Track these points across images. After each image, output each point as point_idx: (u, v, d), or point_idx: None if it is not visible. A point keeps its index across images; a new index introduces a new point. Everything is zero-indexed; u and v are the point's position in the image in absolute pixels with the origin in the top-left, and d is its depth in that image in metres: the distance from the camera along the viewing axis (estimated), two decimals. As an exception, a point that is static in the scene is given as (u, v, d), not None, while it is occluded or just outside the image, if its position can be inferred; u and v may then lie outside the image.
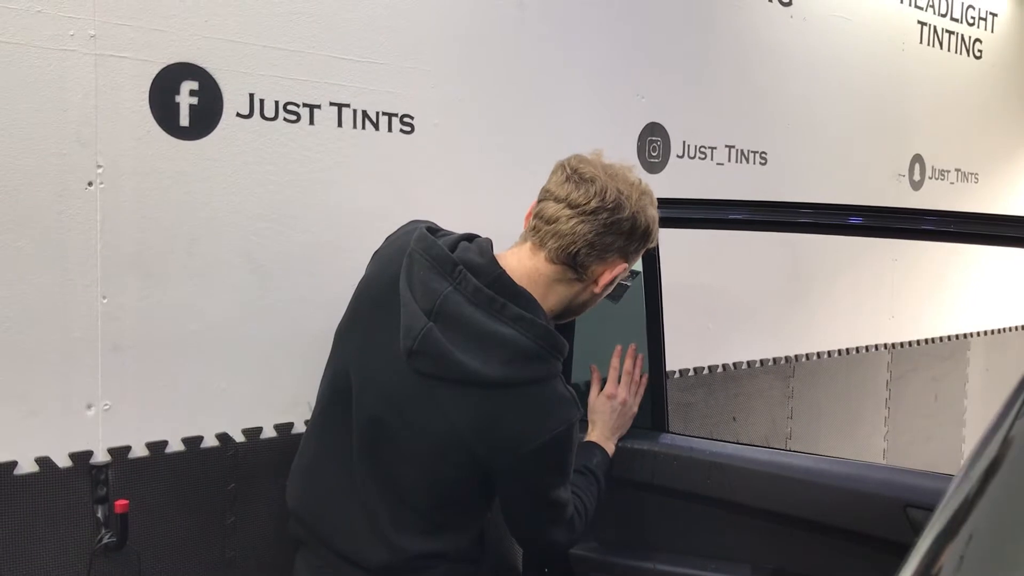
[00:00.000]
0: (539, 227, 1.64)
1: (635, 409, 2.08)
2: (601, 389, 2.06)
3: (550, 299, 1.66)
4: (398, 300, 1.61)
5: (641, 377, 2.11)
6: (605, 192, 1.59)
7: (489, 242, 1.67)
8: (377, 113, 2.14)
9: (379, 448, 1.66)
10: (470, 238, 1.68)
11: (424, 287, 1.58)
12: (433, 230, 1.70)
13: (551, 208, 1.62)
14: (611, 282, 1.69)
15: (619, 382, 2.06)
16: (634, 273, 1.91)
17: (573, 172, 1.63)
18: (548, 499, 1.68)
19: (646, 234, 1.67)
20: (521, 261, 1.64)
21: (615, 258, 1.66)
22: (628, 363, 2.08)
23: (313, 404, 1.86)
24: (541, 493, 1.67)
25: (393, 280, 1.63)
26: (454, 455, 1.61)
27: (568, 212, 1.60)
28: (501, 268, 1.60)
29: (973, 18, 4.03)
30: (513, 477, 1.66)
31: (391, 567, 1.67)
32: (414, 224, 1.74)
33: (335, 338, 1.78)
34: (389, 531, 1.66)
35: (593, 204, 1.59)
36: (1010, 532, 0.53)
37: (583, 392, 2.08)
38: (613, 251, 1.64)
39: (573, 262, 1.63)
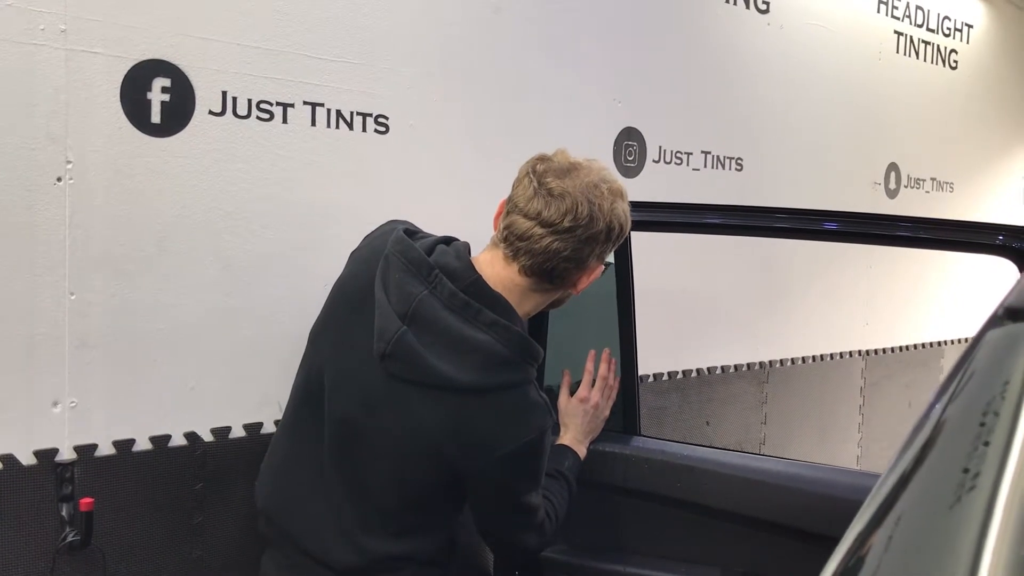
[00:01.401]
0: (511, 240, 1.60)
1: (607, 412, 2.08)
2: (573, 393, 2.06)
3: (526, 305, 1.65)
4: (373, 302, 1.60)
5: (614, 381, 2.11)
6: (577, 208, 1.55)
7: (466, 246, 1.66)
8: (351, 113, 2.13)
9: (349, 450, 1.65)
10: (448, 241, 1.67)
11: (399, 290, 1.57)
12: (411, 232, 1.68)
13: (522, 224, 1.58)
14: (589, 283, 1.69)
15: (592, 386, 2.06)
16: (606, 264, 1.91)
17: (540, 186, 1.57)
18: (519, 504, 1.68)
19: (621, 233, 1.66)
20: (495, 269, 1.62)
21: (593, 262, 1.65)
22: (602, 367, 2.08)
23: (283, 404, 1.85)
24: (512, 498, 1.67)
25: (369, 282, 1.62)
26: (425, 459, 1.61)
27: (541, 231, 1.56)
28: (477, 273, 1.59)
29: (949, 29, 4.07)
30: (484, 482, 1.65)
31: (358, 568, 1.66)
32: (392, 225, 1.73)
33: (309, 338, 1.77)
34: (357, 533, 1.66)
35: (566, 223, 1.56)
36: (937, 512, 0.54)
37: (557, 395, 2.08)
38: (591, 258, 1.63)
39: (550, 276, 1.62)
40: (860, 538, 0.56)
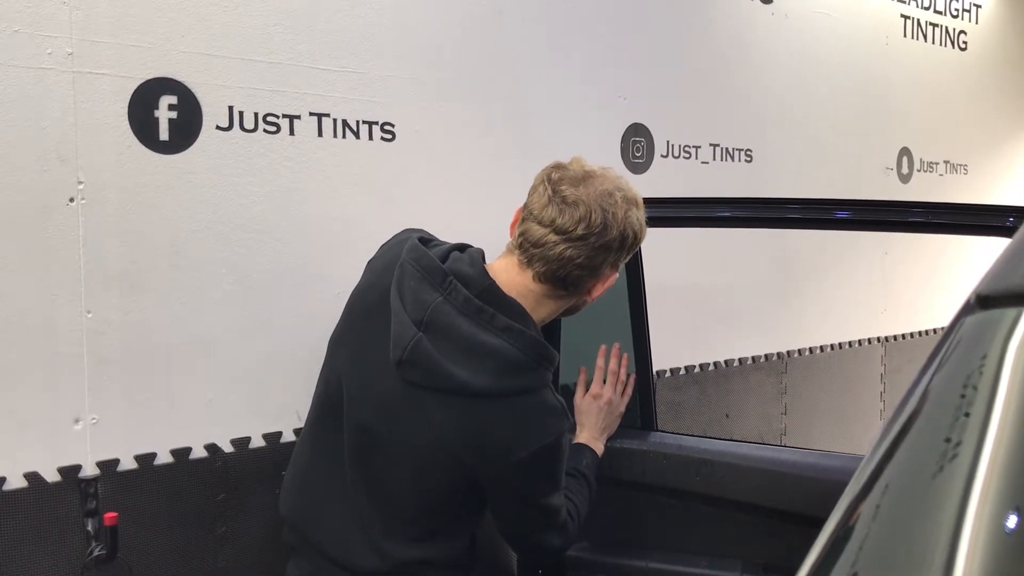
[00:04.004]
0: (525, 247, 1.61)
1: (622, 408, 2.09)
2: (587, 390, 2.07)
3: (540, 311, 1.66)
4: (389, 311, 1.61)
5: (628, 376, 2.12)
6: (590, 216, 1.56)
7: (480, 252, 1.67)
8: (357, 122, 2.15)
9: (369, 456, 1.67)
10: (462, 248, 1.68)
11: (415, 297, 1.59)
12: (425, 240, 1.70)
13: (536, 231, 1.59)
14: (604, 291, 1.69)
15: (604, 382, 2.07)
16: None
17: (555, 194, 1.59)
18: (540, 506, 1.68)
19: (635, 241, 1.66)
20: (510, 275, 1.63)
21: (607, 271, 1.66)
22: (613, 362, 2.09)
23: (302, 413, 1.87)
24: (532, 501, 1.68)
25: (385, 290, 1.64)
26: (443, 464, 1.62)
27: (555, 238, 1.57)
28: (491, 279, 1.60)
29: (957, 10, 4.04)
30: (503, 486, 1.66)
31: (381, 573, 1.68)
32: (407, 233, 1.75)
33: (328, 347, 1.79)
34: (379, 538, 1.67)
35: (580, 231, 1.56)
36: (921, 481, 0.56)
37: (573, 393, 2.09)
38: (605, 266, 1.64)
39: (563, 283, 1.63)
40: (851, 508, 0.58)
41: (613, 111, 2.74)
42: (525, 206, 1.65)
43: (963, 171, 4.14)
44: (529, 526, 1.74)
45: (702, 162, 2.99)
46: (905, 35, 3.77)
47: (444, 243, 1.71)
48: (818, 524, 1.87)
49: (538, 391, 1.61)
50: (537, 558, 2.09)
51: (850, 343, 3.61)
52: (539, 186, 1.63)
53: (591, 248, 1.58)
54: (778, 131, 3.24)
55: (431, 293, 1.58)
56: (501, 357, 1.56)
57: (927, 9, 3.87)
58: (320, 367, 1.79)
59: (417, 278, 1.60)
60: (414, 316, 1.57)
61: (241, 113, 1.97)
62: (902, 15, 3.75)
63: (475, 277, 1.59)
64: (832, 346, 3.53)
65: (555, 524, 1.72)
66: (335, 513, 1.72)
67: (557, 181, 1.60)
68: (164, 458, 1.93)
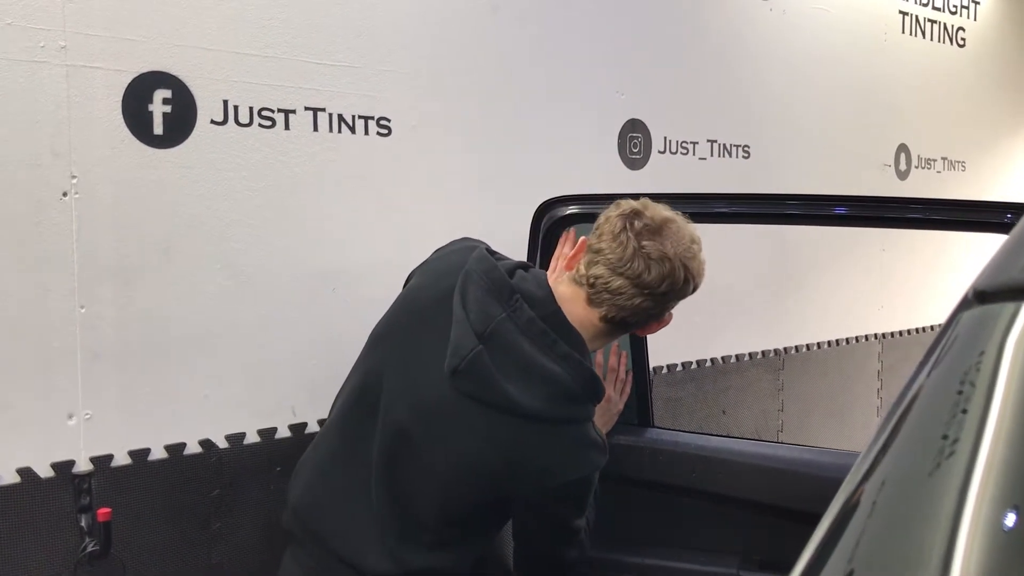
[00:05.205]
0: (599, 289, 1.59)
1: (620, 406, 2.08)
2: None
3: (595, 343, 1.66)
4: (447, 316, 1.59)
5: (627, 374, 2.11)
6: (675, 273, 1.57)
7: (544, 274, 1.67)
8: (353, 116, 2.14)
9: (400, 459, 1.65)
10: (525, 267, 1.67)
11: (479, 308, 1.57)
12: (491, 252, 1.69)
13: (615, 282, 1.57)
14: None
15: (604, 379, 2.06)
16: None
17: (640, 248, 1.56)
18: (564, 527, 1.70)
19: (700, 285, 1.67)
20: (575, 307, 1.61)
21: (668, 313, 1.68)
22: (612, 360, 2.08)
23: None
24: (557, 522, 1.69)
25: (443, 294, 1.62)
26: (476, 478, 1.61)
27: (634, 291, 1.57)
28: (558, 305, 1.59)
29: (956, 6, 4.03)
30: (532, 506, 1.67)
31: None
32: (467, 242, 1.74)
33: (370, 340, 1.74)
34: (393, 542, 1.65)
35: (664, 288, 1.57)
36: (919, 477, 0.56)
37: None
38: (669, 309, 1.66)
39: (629, 326, 1.65)
40: (847, 504, 0.58)
41: (610, 106, 2.73)
42: (598, 249, 1.60)
43: (961, 168, 4.13)
44: (549, 541, 1.74)
45: (700, 158, 2.98)
46: (903, 31, 3.77)
47: (508, 259, 1.69)
48: (815, 520, 1.86)
49: (583, 423, 1.62)
50: (549, 567, 2.08)
51: (847, 340, 3.61)
52: (619, 233, 1.59)
53: (668, 300, 1.61)
54: (776, 127, 3.24)
55: (496, 307, 1.57)
56: (557, 384, 1.56)
57: (926, 5, 3.86)
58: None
59: (484, 289, 1.58)
60: (477, 327, 1.56)
61: (236, 107, 1.96)
62: (900, 11, 3.74)
63: (542, 300, 1.59)
64: (829, 343, 3.52)
65: (575, 542, 1.73)
66: (350, 509, 1.68)
67: (640, 232, 1.57)
68: (158, 454, 1.92)
